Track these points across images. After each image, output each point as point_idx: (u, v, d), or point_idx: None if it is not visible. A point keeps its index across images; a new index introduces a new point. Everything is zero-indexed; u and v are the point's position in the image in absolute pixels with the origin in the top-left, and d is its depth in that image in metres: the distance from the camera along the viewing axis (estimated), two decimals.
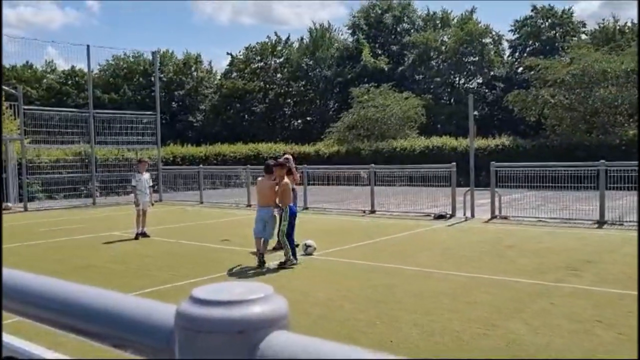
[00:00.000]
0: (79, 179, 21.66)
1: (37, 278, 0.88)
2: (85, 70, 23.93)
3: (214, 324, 0.58)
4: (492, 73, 46.20)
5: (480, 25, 46.49)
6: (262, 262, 8.69)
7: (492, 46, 47.25)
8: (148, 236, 11.87)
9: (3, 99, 20.70)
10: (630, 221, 12.40)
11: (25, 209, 18.69)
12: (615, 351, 4.71)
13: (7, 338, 1.29)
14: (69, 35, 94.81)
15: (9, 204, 19.33)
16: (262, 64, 51.84)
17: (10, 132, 20.71)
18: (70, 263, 9.31)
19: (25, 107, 20.38)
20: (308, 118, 51.18)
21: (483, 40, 45.81)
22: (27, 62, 49.26)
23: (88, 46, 21.17)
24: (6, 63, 42.22)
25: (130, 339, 0.70)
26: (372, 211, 15.76)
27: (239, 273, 8.33)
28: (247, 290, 0.62)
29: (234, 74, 52.36)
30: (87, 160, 21.62)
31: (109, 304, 0.74)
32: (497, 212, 13.82)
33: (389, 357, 0.57)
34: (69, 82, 49.91)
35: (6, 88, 21.91)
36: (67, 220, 15.68)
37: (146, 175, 12.43)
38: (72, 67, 49.35)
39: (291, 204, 8.95)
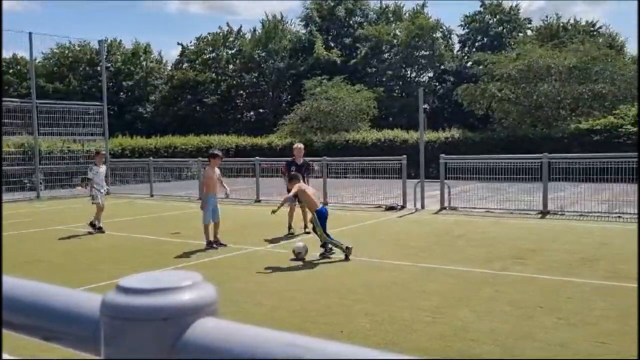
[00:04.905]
0: (22, 171, 20.84)
1: None
2: (28, 58, 23.01)
3: (139, 312, 0.58)
4: (442, 67, 47.02)
5: (430, 19, 47.21)
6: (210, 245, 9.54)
7: (442, 40, 48.07)
8: (103, 232, 11.47)
9: (2, 95, 19.66)
10: (571, 211, 12.93)
11: None
12: (553, 334, 4.92)
13: None
14: (9, 21, 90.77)
15: None
16: (213, 54, 51.09)
17: None
18: (14, 258, 8.96)
19: None
20: (261, 110, 50.79)
21: (434, 35, 46.54)
22: None
23: (30, 34, 20.35)
24: None
25: (57, 330, 0.69)
26: (325, 203, 15.81)
27: (195, 265, 8.23)
28: (175, 279, 0.62)
29: (185, 65, 51.42)
30: (30, 153, 20.82)
31: (36, 296, 0.72)
32: (446, 204, 14.14)
33: (322, 342, 0.57)
34: (10, 70, 47.83)
35: None
36: (11, 214, 15.07)
37: (103, 168, 12.09)
38: (14, 55, 47.36)
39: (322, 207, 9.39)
